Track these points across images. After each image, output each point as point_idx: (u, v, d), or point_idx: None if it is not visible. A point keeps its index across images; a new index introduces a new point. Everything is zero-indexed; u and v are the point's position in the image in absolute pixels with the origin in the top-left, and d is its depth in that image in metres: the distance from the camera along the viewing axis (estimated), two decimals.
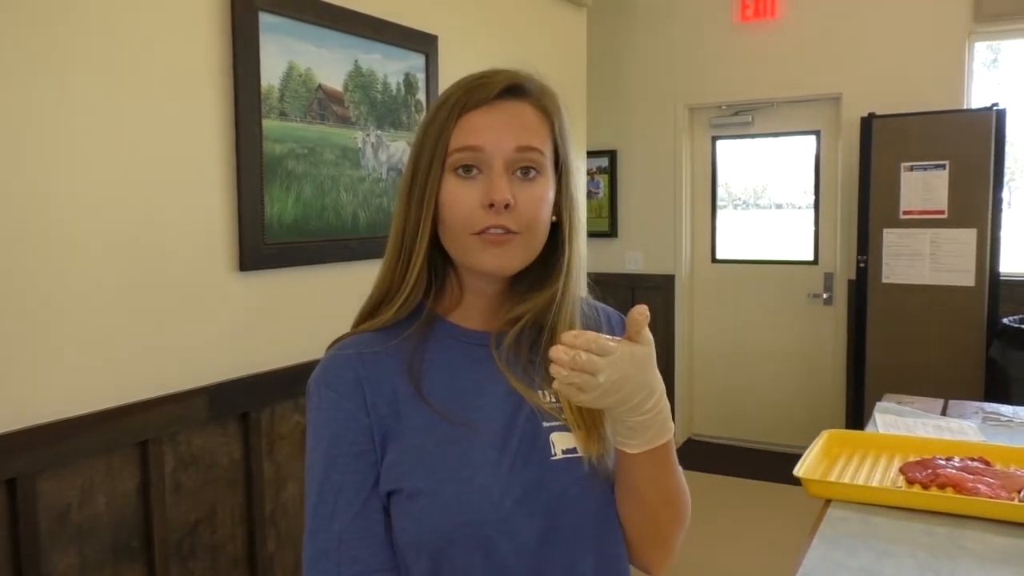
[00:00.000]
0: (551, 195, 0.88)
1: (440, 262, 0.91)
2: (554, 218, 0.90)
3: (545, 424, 0.86)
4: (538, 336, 0.90)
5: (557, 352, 0.75)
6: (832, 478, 1.48)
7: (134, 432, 1.65)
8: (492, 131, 0.84)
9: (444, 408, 0.86)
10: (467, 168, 0.84)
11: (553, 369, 0.76)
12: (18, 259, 1.47)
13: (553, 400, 0.88)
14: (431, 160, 0.85)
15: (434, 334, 0.91)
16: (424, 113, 2.49)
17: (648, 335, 0.78)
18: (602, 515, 0.87)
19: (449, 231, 0.86)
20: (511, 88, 0.87)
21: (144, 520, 1.69)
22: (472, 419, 0.85)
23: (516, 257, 0.86)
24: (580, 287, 0.94)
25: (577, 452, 0.85)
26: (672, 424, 0.82)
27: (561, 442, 0.86)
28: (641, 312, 0.76)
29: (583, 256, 0.95)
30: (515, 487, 0.83)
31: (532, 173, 0.85)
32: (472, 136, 0.84)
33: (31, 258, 1.49)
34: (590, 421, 0.86)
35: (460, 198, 0.84)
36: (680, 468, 0.89)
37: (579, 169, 0.91)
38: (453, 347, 0.90)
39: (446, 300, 0.93)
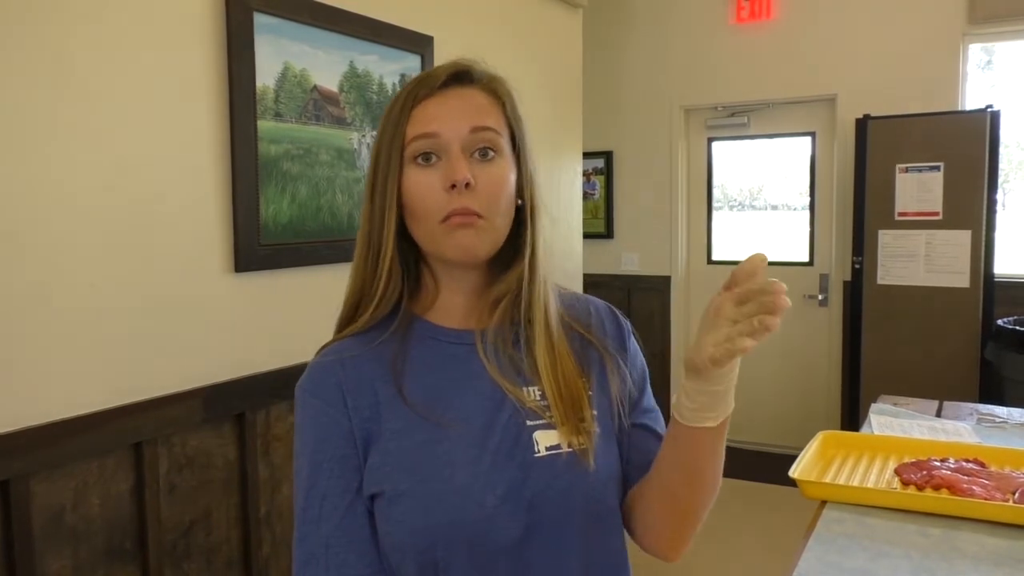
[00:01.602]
0: (512, 177, 0.89)
1: (412, 261, 0.92)
2: (519, 202, 0.91)
3: (529, 423, 0.86)
4: (519, 332, 0.90)
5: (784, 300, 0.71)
6: (827, 479, 1.48)
7: (128, 434, 1.65)
8: (445, 116, 0.86)
9: (425, 409, 0.86)
10: (426, 156, 0.85)
11: (782, 300, 0.72)
12: (12, 260, 1.46)
13: (537, 396, 0.88)
14: (389, 154, 0.87)
15: (413, 335, 0.91)
16: None
17: None
18: (589, 510, 0.87)
19: (415, 221, 0.87)
20: (457, 75, 0.89)
21: (138, 522, 1.69)
22: (453, 418, 0.85)
23: (484, 240, 0.86)
24: (550, 269, 0.94)
25: (560, 448, 0.85)
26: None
27: (545, 439, 0.86)
28: (762, 257, 0.73)
29: (573, 245, 0.95)
30: (498, 485, 0.82)
31: (490, 154, 0.87)
32: (426, 124, 0.86)
33: (25, 259, 1.48)
34: (573, 415, 0.86)
35: (421, 184, 0.85)
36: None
37: (533, 146, 0.92)
38: (433, 347, 0.90)
39: (422, 299, 0.93)
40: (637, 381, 0.97)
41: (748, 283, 0.72)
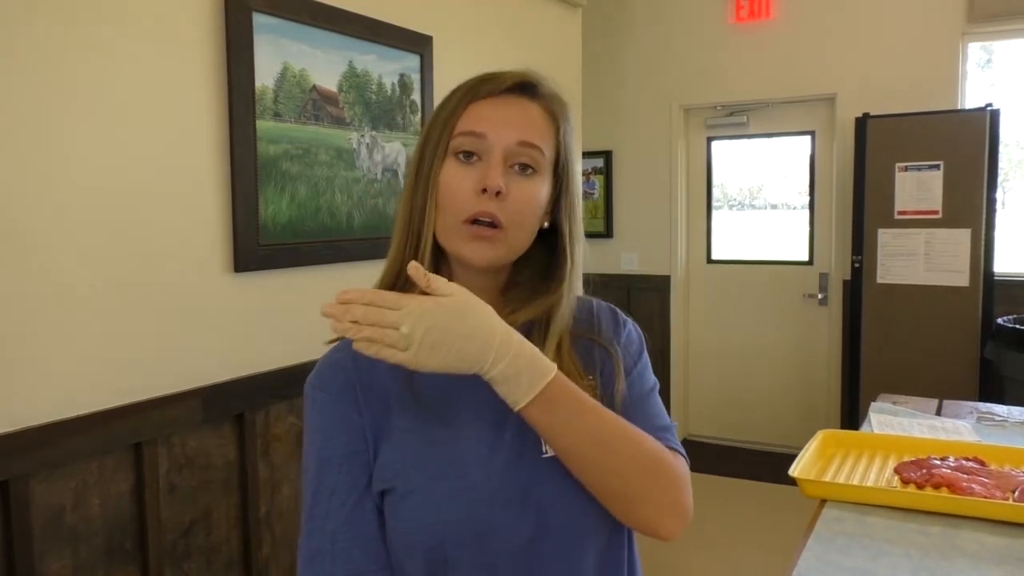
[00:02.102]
0: (544, 196, 0.89)
1: (434, 257, 0.91)
2: (545, 224, 0.91)
3: None
4: (527, 334, 0.89)
5: (327, 309, 0.73)
6: (827, 478, 1.48)
7: (128, 434, 1.65)
8: (497, 121, 0.86)
9: (435, 407, 0.86)
10: (468, 154, 0.86)
11: (334, 326, 0.73)
12: (12, 260, 1.46)
13: None
14: (437, 143, 0.87)
15: None
16: (421, 113, 2.49)
17: (451, 287, 0.76)
18: (598, 511, 0.86)
19: (441, 214, 0.87)
20: (523, 85, 0.89)
21: (138, 522, 1.69)
22: (463, 418, 0.86)
23: (499, 251, 0.86)
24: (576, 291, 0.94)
25: None
26: (549, 364, 0.78)
27: None
28: (412, 266, 0.75)
29: (580, 264, 0.95)
30: (508, 485, 0.83)
31: (529, 171, 0.87)
32: (477, 123, 0.86)
33: (25, 260, 1.48)
34: None
35: (455, 179, 0.85)
36: (614, 416, 0.83)
37: (580, 176, 0.92)
38: None
39: None
40: (630, 360, 0.95)
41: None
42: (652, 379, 0.98)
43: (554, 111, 0.91)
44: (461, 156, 0.86)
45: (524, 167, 0.86)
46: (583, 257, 0.95)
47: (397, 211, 0.91)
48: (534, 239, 0.91)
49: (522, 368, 0.76)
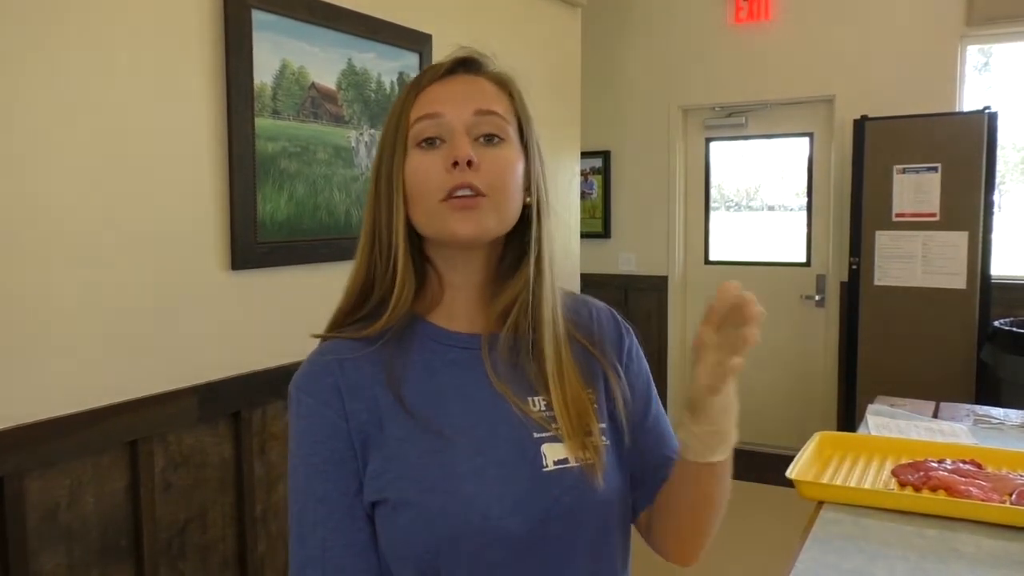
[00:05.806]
0: (520, 165, 0.87)
1: (418, 258, 0.89)
2: (527, 200, 0.88)
3: (536, 435, 0.84)
4: (526, 340, 0.87)
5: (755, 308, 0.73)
6: (824, 480, 1.48)
7: (124, 431, 1.64)
8: (449, 99, 0.85)
9: (426, 416, 0.83)
10: (429, 140, 0.84)
11: (754, 308, 0.73)
12: (7, 258, 1.46)
13: (542, 407, 0.85)
14: (394, 140, 0.86)
15: (415, 336, 0.88)
16: None
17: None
18: (596, 526, 0.85)
19: (416, 202, 0.84)
20: (464, 62, 0.88)
21: (133, 520, 1.68)
22: (455, 426, 0.83)
23: (488, 220, 0.83)
24: (559, 274, 0.92)
25: (569, 463, 0.83)
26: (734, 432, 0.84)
27: (553, 453, 0.83)
28: (736, 286, 0.74)
29: (571, 244, 0.95)
30: (505, 497, 0.80)
31: (496, 139, 0.85)
32: (430, 106, 0.85)
33: (20, 257, 1.48)
34: (579, 428, 0.84)
35: (423, 166, 0.83)
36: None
37: (540, 145, 0.91)
38: (435, 350, 0.88)
39: (426, 299, 0.90)
40: (643, 389, 0.96)
41: (720, 307, 0.74)
42: (661, 407, 1.01)
43: (502, 80, 0.89)
44: (423, 144, 0.84)
45: (489, 137, 0.84)
46: (573, 234, 0.95)
47: (363, 219, 0.89)
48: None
49: (734, 423, 0.84)
